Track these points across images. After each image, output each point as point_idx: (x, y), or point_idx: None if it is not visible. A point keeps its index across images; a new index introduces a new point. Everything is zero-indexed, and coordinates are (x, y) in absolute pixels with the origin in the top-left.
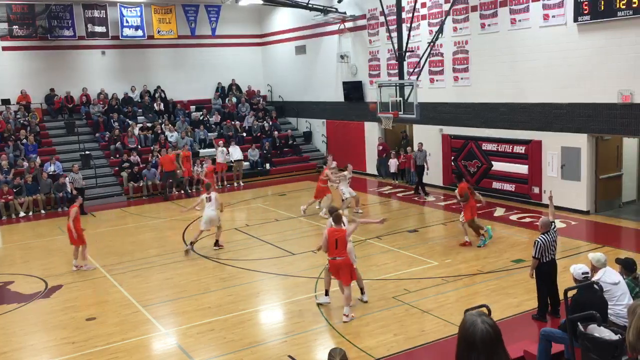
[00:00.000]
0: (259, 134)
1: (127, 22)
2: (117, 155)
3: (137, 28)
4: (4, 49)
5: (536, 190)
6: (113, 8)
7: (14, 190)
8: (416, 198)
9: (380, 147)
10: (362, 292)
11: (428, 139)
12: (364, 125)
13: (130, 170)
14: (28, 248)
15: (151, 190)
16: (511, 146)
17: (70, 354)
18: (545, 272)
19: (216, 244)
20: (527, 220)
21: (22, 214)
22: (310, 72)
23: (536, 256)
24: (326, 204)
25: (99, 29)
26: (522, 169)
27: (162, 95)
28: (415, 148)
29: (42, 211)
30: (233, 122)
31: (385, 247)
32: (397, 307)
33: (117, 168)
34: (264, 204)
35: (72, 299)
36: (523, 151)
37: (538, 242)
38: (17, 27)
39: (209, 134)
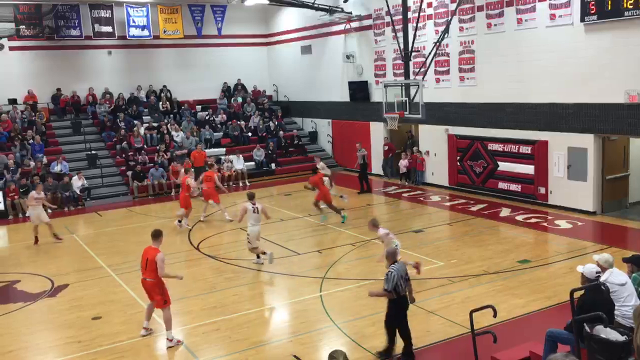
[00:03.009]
0: (264, 134)
1: (133, 22)
2: (123, 155)
3: (143, 28)
4: (11, 48)
5: (542, 190)
6: (119, 8)
7: (21, 190)
8: (421, 199)
9: (386, 147)
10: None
11: (434, 139)
12: (370, 125)
13: (133, 170)
14: (34, 247)
15: (157, 190)
16: (517, 146)
17: (76, 353)
18: (400, 308)
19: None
20: (533, 220)
21: (28, 213)
22: (316, 72)
23: (389, 289)
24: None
25: (105, 28)
26: (528, 169)
27: (168, 95)
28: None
29: (48, 210)
30: (239, 122)
31: None
32: None
33: (123, 168)
34: (269, 203)
35: (78, 298)
36: (529, 151)
37: (392, 272)
38: (24, 27)
39: (214, 133)
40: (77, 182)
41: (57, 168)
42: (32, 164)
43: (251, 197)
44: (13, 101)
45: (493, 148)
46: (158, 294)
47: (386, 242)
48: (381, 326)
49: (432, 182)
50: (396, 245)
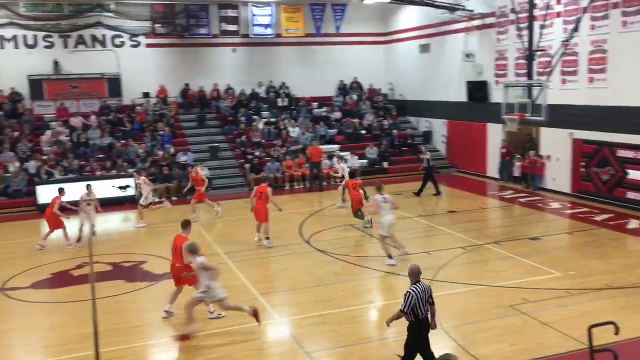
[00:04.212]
0: (378, 133)
1: (257, 21)
2: (242, 148)
3: (266, 27)
4: (148, 46)
5: None
6: (245, 7)
7: (150, 178)
8: (539, 205)
9: (504, 150)
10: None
11: (556, 143)
12: (487, 127)
13: (251, 163)
14: (159, 231)
15: (272, 183)
16: None
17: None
18: (419, 333)
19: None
20: None
21: (156, 199)
22: (433, 72)
23: (405, 310)
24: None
25: (231, 27)
26: None
27: (287, 91)
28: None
29: (174, 198)
30: (353, 120)
31: (504, 253)
32: (514, 316)
33: (242, 160)
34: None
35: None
36: None
37: (410, 294)
38: (159, 25)
39: (329, 130)
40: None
41: (183, 159)
42: (161, 153)
43: (380, 189)
44: (146, 95)
45: (623, 155)
46: (179, 280)
47: (200, 272)
48: (491, 334)
49: (551, 188)
50: (205, 291)
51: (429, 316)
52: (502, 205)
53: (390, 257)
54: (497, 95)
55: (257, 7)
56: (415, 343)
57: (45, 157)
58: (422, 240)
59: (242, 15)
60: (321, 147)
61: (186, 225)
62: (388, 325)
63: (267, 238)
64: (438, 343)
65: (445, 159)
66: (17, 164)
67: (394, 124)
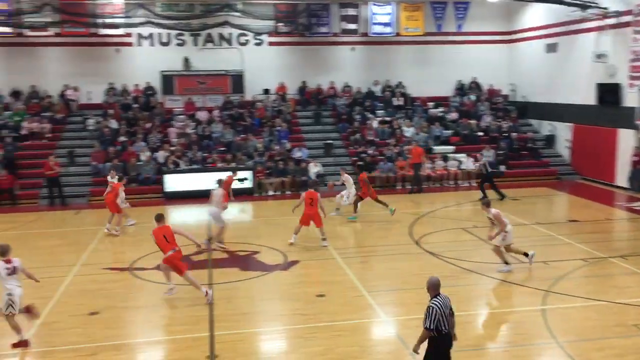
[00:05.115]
0: (495, 135)
1: (377, 19)
2: (356, 146)
3: (386, 25)
4: (270, 44)
5: None
6: (365, 6)
7: (266, 172)
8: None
9: (636, 158)
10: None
11: None
12: (618, 132)
13: (363, 161)
14: (273, 223)
15: (384, 182)
16: None
17: (299, 324)
18: (442, 348)
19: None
20: None
21: (270, 192)
22: (559, 72)
23: (431, 327)
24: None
25: (350, 26)
26: None
27: (403, 90)
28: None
29: (288, 192)
30: (470, 121)
31: (631, 268)
32: (638, 337)
33: (355, 158)
34: (494, 206)
35: (306, 275)
36: None
37: (433, 308)
38: (281, 24)
39: (444, 131)
40: (313, 169)
41: (297, 154)
42: (277, 148)
43: (488, 204)
44: (266, 91)
45: None
46: (179, 265)
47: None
48: (611, 353)
49: None
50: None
51: (451, 330)
52: (630, 217)
53: (506, 263)
54: (630, 99)
55: (378, 5)
56: (437, 358)
57: (172, 148)
58: (540, 249)
59: (362, 13)
60: (421, 147)
61: (161, 218)
62: (417, 353)
63: (324, 239)
64: (551, 357)
65: (568, 164)
66: (148, 154)
67: (514, 126)
